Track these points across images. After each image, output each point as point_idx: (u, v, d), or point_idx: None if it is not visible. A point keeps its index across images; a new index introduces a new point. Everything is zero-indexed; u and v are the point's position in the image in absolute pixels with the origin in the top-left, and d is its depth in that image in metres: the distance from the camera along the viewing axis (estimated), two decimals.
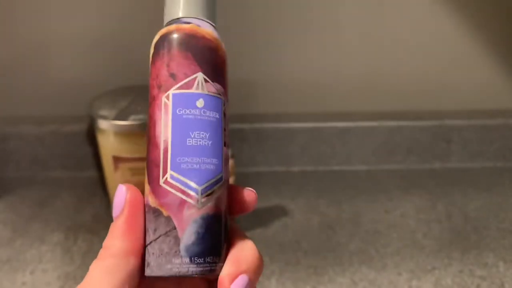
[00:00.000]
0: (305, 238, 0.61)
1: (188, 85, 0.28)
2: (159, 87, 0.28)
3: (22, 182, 0.74)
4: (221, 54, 0.29)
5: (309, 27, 0.72)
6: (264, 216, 0.65)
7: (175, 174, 0.27)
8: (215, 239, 0.27)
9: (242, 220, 0.64)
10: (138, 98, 0.58)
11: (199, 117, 0.27)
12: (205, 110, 0.28)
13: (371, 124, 0.75)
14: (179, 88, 0.28)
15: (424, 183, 0.73)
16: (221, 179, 0.28)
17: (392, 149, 0.77)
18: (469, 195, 0.70)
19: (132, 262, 0.26)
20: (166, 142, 0.27)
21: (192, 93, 0.28)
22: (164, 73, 0.28)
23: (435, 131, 0.75)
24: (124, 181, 0.55)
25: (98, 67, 0.74)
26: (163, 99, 0.28)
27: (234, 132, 0.73)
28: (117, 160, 0.54)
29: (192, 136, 0.27)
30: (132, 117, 0.53)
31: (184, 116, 0.27)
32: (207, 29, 0.29)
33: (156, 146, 0.28)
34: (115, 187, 0.56)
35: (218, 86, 0.29)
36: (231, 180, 0.58)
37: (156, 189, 0.27)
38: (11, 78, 0.75)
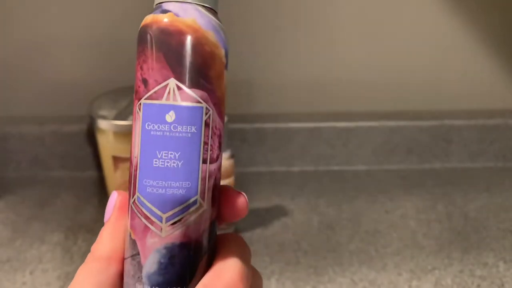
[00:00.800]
0: (305, 238, 0.61)
1: (158, 95, 0.24)
2: (135, 92, 0.25)
3: (22, 182, 0.74)
4: (207, 49, 0.24)
5: (309, 27, 0.72)
6: (264, 216, 0.65)
7: (141, 197, 0.24)
8: (181, 270, 0.24)
9: (242, 220, 0.64)
10: None
11: (168, 133, 0.24)
12: (176, 125, 0.24)
13: (371, 124, 0.75)
14: (149, 97, 0.24)
15: (424, 183, 0.73)
16: (194, 203, 0.24)
17: (392, 149, 0.77)
18: (469, 195, 0.70)
19: (113, 267, 0.26)
20: (136, 159, 0.24)
21: (161, 104, 0.23)
22: (138, 76, 0.25)
23: (435, 131, 0.75)
24: (124, 181, 0.55)
25: (98, 67, 0.74)
26: (136, 108, 0.24)
27: (234, 132, 0.73)
28: (117, 160, 0.54)
29: (159, 156, 0.24)
30: (132, 117, 0.53)
31: (152, 133, 0.24)
32: (188, 18, 0.24)
33: (131, 160, 0.25)
34: (115, 187, 0.56)
35: (199, 92, 0.24)
36: (230, 180, 0.58)
37: (129, 208, 0.25)
38: (12, 78, 0.75)
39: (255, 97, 0.77)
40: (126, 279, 0.25)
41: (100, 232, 0.27)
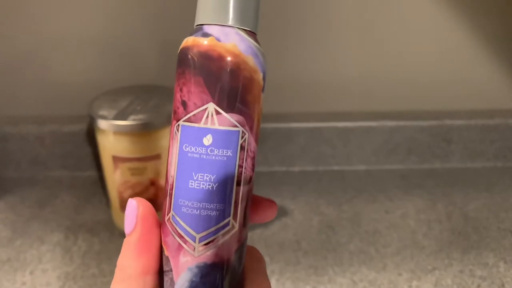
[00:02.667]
0: (305, 238, 0.61)
1: (196, 118, 0.24)
2: (174, 112, 0.25)
3: (22, 182, 0.74)
4: (246, 74, 0.24)
5: (309, 28, 0.72)
6: None
7: (176, 216, 0.25)
8: None
9: None
10: (138, 98, 0.58)
11: (204, 156, 0.24)
12: (213, 149, 0.24)
13: (371, 124, 0.75)
14: (188, 120, 0.24)
15: (424, 183, 0.73)
16: (227, 224, 0.25)
17: (392, 149, 0.77)
18: (470, 195, 0.70)
19: (149, 281, 0.25)
20: (172, 178, 0.25)
21: (200, 128, 0.24)
22: (177, 97, 0.25)
23: (435, 131, 0.75)
24: (124, 181, 0.55)
25: (98, 67, 0.74)
26: (174, 128, 0.25)
27: None
28: (116, 160, 0.54)
29: (195, 178, 0.24)
30: (132, 117, 0.52)
31: (189, 155, 0.24)
32: (229, 42, 0.24)
33: (167, 177, 0.26)
34: (115, 187, 0.56)
35: (236, 116, 0.24)
36: None
37: (163, 223, 0.26)
38: (11, 78, 0.75)
39: None
40: None
41: (125, 246, 0.25)
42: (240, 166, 0.25)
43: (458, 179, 0.74)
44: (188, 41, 0.25)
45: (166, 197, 0.25)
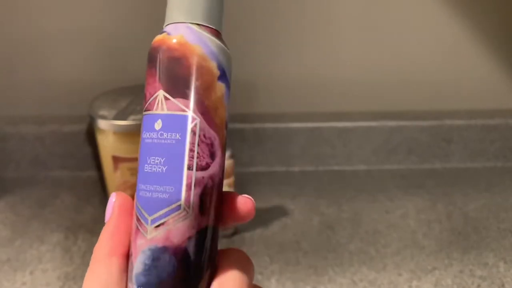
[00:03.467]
0: (305, 238, 0.61)
1: (151, 105, 0.26)
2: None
3: (22, 182, 0.74)
4: (192, 61, 0.25)
5: (309, 28, 0.72)
6: (264, 216, 0.65)
7: (136, 201, 0.26)
8: (163, 274, 0.25)
9: None
10: (138, 98, 0.58)
11: (156, 140, 0.25)
12: (162, 132, 0.25)
13: (371, 124, 0.75)
14: (146, 109, 0.26)
15: (424, 183, 0.73)
16: (177, 208, 0.25)
17: (392, 149, 0.77)
18: (469, 195, 0.70)
19: (115, 262, 0.26)
20: (138, 165, 0.27)
21: (152, 114, 0.26)
22: (144, 92, 0.27)
23: (435, 131, 0.76)
24: (124, 181, 0.55)
25: (98, 67, 0.74)
26: (141, 120, 0.27)
27: (234, 132, 0.74)
28: (116, 160, 0.54)
29: (148, 162, 0.25)
30: (132, 117, 0.53)
31: (146, 140, 0.26)
32: (177, 34, 0.26)
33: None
34: (115, 187, 0.57)
35: (184, 101, 0.25)
36: (230, 181, 0.58)
37: None
38: (11, 78, 0.75)
39: (255, 97, 0.77)
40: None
41: (101, 233, 0.27)
42: (191, 151, 0.25)
43: (458, 179, 0.74)
44: (154, 40, 0.27)
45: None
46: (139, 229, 0.25)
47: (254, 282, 0.53)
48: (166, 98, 0.25)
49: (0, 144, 0.74)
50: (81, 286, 0.53)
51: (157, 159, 0.25)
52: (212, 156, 0.26)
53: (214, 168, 0.26)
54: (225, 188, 0.57)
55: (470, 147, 0.77)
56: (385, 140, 0.76)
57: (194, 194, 0.25)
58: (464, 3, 0.71)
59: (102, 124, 0.53)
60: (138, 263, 0.25)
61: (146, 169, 0.25)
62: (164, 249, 0.25)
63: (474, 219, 0.65)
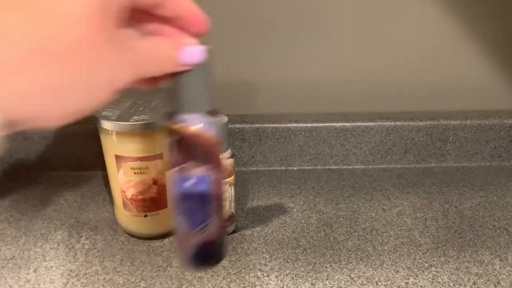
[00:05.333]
0: (304, 235, 0.62)
1: (183, 170, 0.36)
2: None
3: (26, 180, 0.74)
4: (205, 141, 0.35)
5: (308, 30, 0.72)
6: (263, 214, 0.66)
7: None
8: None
9: (242, 219, 0.65)
10: (141, 99, 0.59)
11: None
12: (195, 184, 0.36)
13: (368, 124, 0.75)
14: (177, 171, 0.37)
15: (421, 182, 0.74)
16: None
17: (389, 148, 0.77)
18: (465, 193, 0.71)
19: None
20: None
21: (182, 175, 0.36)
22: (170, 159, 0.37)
23: (431, 131, 0.76)
24: (127, 180, 0.56)
25: None
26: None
27: (234, 132, 0.74)
28: (119, 159, 0.55)
29: None
30: (135, 117, 0.53)
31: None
32: (194, 126, 0.34)
33: None
34: (118, 186, 0.57)
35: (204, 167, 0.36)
36: (230, 180, 0.59)
37: None
38: None
39: (255, 98, 0.78)
40: None
41: None
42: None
43: (454, 178, 0.75)
44: (174, 125, 0.34)
45: None
46: None
47: (254, 278, 0.54)
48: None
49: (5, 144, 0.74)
50: (84, 283, 0.54)
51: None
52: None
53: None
54: (225, 187, 0.57)
55: (465, 146, 0.78)
56: (382, 140, 0.77)
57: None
58: (459, 5, 0.71)
59: (105, 124, 0.53)
60: None
61: None
62: None
63: (470, 217, 0.66)
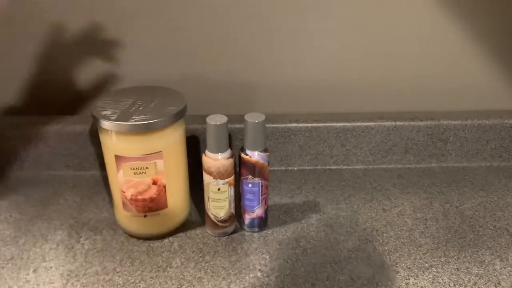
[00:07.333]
0: (304, 236, 0.62)
1: (247, 178, 0.60)
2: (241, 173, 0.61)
3: (25, 181, 0.74)
4: (260, 166, 0.58)
5: (308, 31, 0.72)
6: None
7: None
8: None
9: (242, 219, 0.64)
10: (140, 99, 0.58)
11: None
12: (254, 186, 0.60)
13: (369, 124, 0.75)
14: (244, 179, 0.60)
15: (421, 182, 0.74)
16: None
17: (389, 148, 0.77)
18: (466, 194, 0.71)
19: None
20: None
21: (247, 181, 0.60)
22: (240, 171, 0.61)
23: (431, 131, 0.76)
24: (126, 180, 0.56)
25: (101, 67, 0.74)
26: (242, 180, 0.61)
27: (235, 132, 0.74)
28: (119, 159, 0.55)
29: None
30: (134, 117, 0.53)
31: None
32: (253, 158, 0.58)
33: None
34: (118, 186, 0.57)
35: (258, 178, 0.59)
36: (230, 180, 0.59)
37: None
38: (17, 79, 0.75)
39: (256, 98, 0.78)
40: None
41: None
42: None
43: (455, 178, 0.75)
44: (243, 155, 0.58)
45: None
46: None
47: (254, 279, 0.54)
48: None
49: (4, 144, 0.74)
50: (84, 283, 0.54)
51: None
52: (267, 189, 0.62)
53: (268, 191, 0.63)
54: (225, 187, 0.57)
55: (466, 146, 0.78)
56: (382, 140, 0.76)
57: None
58: (459, 6, 0.71)
59: (105, 124, 0.53)
60: None
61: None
62: None
63: (470, 218, 0.66)
